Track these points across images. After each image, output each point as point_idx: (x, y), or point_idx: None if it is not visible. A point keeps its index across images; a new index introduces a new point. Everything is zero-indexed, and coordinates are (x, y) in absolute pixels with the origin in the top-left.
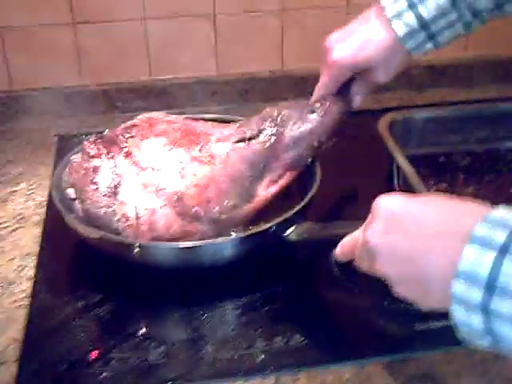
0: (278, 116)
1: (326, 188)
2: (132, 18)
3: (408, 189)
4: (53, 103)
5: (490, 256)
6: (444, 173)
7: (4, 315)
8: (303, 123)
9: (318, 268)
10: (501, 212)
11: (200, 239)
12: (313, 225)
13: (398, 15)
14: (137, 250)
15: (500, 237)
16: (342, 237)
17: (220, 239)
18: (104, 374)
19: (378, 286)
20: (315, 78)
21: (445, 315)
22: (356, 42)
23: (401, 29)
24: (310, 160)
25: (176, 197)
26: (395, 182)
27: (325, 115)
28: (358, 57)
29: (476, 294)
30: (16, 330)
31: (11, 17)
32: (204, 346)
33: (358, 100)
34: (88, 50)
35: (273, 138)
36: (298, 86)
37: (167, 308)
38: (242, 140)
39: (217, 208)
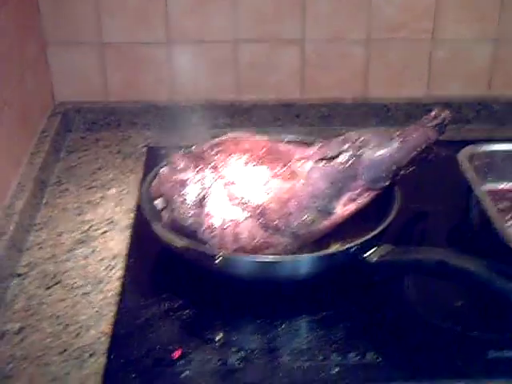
0: (357, 140)
1: (405, 213)
2: (224, 40)
3: (484, 221)
4: (144, 116)
5: None
6: None
7: (94, 310)
8: (382, 148)
9: (395, 290)
10: None
11: (280, 252)
12: (392, 248)
13: None
14: (219, 260)
15: None
16: (420, 261)
17: (300, 256)
18: (185, 373)
19: (453, 312)
20: (396, 107)
21: None
22: None
23: None
24: (388, 183)
25: (259, 210)
26: (472, 212)
27: (404, 142)
28: None
29: None
30: (105, 325)
31: (111, 34)
32: (280, 355)
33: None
34: (180, 68)
35: (352, 159)
36: (379, 115)
37: (245, 317)
38: (322, 159)
39: (296, 222)
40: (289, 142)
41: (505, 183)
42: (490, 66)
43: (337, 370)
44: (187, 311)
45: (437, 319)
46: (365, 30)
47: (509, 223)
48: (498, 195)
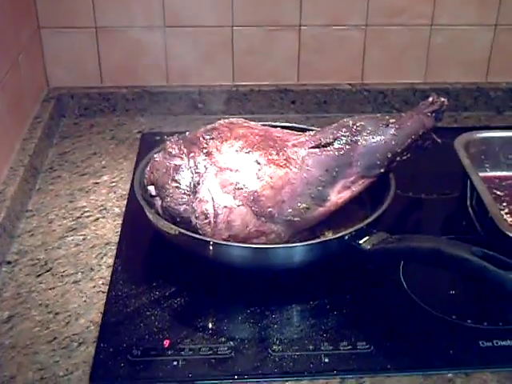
0: (353, 126)
1: (399, 200)
2: (220, 25)
3: (479, 208)
4: (138, 101)
5: None
6: None
7: (84, 299)
8: (377, 135)
9: (388, 278)
10: None
11: (273, 239)
12: (387, 236)
13: None
14: (211, 247)
15: None
16: (414, 249)
17: (293, 244)
18: (175, 363)
19: (446, 301)
20: (393, 93)
21: (510, 334)
22: None
23: None
24: (383, 171)
25: (252, 197)
26: (468, 200)
27: (399, 129)
28: None
29: None
30: (95, 314)
31: (106, 18)
32: (271, 344)
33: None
34: (175, 53)
35: (347, 146)
36: (376, 100)
37: (237, 305)
38: (317, 146)
39: (290, 210)
40: (284, 128)
41: (501, 170)
42: (488, 53)
43: (327, 359)
44: (178, 299)
45: (430, 308)
46: (363, 15)
47: (505, 210)
48: (494, 183)
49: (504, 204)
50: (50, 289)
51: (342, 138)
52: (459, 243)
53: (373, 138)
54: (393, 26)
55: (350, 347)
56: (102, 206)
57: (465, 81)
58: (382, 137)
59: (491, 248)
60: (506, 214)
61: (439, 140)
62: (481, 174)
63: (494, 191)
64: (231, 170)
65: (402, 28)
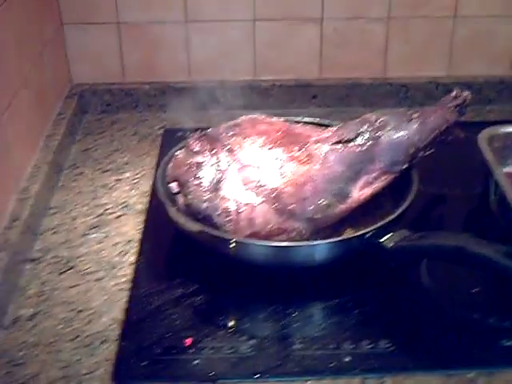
0: (375, 121)
1: (422, 197)
2: (242, 19)
3: (503, 205)
4: (160, 97)
5: None
6: None
7: (107, 297)
8: (400, 130)
9: (410, 276)
10: None
11: (295, 237)
12: (409, 233)
13: None
14: (233, 245)
15: None
16: (437, 247)
17: (315, 242)
18: (197, 361)
19: (469, 299)
20: (416, 87)
21: None
22: None
23: None
24: (406, 166)
25: (274, 194)
26: (491, 196)
27: (422, 124)
28: None
29: None
30: (117, 312)
31: (128, 13)
32: (292, 343)
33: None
34: (197, 48)
35: (370, 141)
36: (398, 94)
37: (259, 303)
38: (339, 142)
39: (312, 207)
40: (306, 124)
41: None
42: None
43: (349, 358)
44: (200, 297)
45: (453, 306)
46: (385, 7)
47: None
48: None
49: None
50: (73, 286)
51: (365, 133)
52: (483, 241)
53: (395, 133)
54: (415, 19)
55: (371, 346)
56: (124, 202)
57: (488, 74)
58: (405, 132)
59: None
60: None
61: (462, 135)
62: (505, 170)
63: None
64: (253, 167)
65: (424, 20)
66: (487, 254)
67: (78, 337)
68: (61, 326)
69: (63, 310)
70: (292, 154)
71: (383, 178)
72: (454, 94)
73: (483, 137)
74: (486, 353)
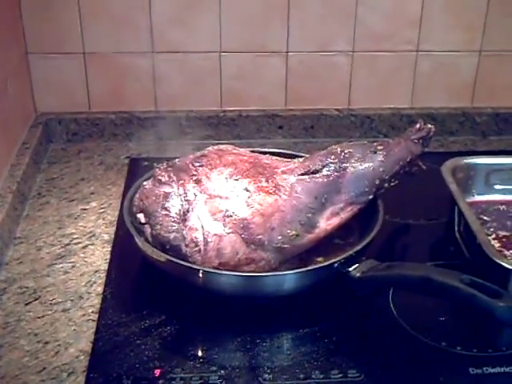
0: (341, 153)
1: (388, 226)
2: (208, 50)
3: (468, 234)
4: (126, 126)
5: None
6: (505, 220)
7: (74, 328)
8: (365, 162)
9: (377, 306)
10: None
11: (263, 267)
12: (376, 263)
13: None
14: (201, 275)
15: None
16: (404, 277)
17: (283, 272)
18: None
19: (436, 328)
20: (380, 119)
21: (501, 361)
22: None
23: None
24: (371, 197)
25: (242, 224)
26: (456, 227)
27: (387, 156)
28: None
29: None
30: (85, 343)
31: (94, 43)
32: (262, 373)
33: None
34: (164, 78)
35: (335, 173)
36: (363, 125)
37: (228, 333)
38: (306, 173)
39: (280, 237)
40: (272, 155)
41: (488, 195)
42: (473, 78)
43: None
44: (169, 328)
45: (420, 335)
46: (350, 41)
47: (492, 236)
48: (481, 208)
49: (491, 229)
50: (39, 317)
51: (331, 164)
52: (448, 271)
53: (361, 164)
54: (379, 52)
55: (340, 375)
56: (90, 232)
57: (450, 106)
58: (371, 164)
59: (479, 274)
60: (494, 239)
61: (424, 167)
62: (468, 199)
63: (481, 216)
64: (221, 198)
65: (388, 54)
66: (452, 283)
67: (44, 369)
68: (27, 359)
69: (29, 342)
70: (259, 184)
71: (349, 209)
72: (418, 126)
73: (447, 167)
74: (454, 381)
